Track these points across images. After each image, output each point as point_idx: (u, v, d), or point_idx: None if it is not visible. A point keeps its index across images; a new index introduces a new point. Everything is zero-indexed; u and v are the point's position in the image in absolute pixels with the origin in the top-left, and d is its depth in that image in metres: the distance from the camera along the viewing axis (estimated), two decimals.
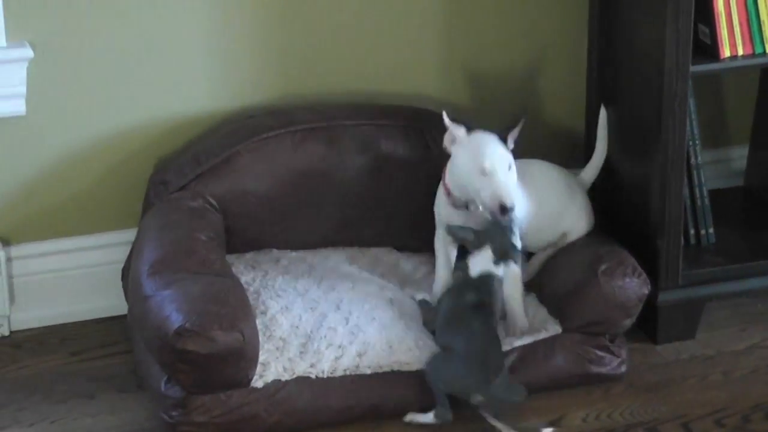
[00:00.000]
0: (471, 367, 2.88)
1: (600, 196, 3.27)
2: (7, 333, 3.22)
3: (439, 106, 3.34)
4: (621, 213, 3.26)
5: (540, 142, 3.45)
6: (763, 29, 3.04)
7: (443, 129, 3.05)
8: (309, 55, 3.30)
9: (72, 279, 3.26)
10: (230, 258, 3.15)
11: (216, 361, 2.80)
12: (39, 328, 3.25)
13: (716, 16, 3.00)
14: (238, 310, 2.87)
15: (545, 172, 3.17)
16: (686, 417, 2.97)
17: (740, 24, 3.03)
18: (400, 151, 3.27)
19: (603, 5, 3.22)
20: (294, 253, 3.24)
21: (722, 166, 3.60)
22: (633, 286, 3.04)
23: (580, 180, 3.24)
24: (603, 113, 3.24)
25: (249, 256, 3.23)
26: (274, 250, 3.25)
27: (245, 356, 2.83)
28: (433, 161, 3.21)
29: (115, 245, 3.22)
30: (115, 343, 3.18)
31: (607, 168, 3.25)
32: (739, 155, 3.59)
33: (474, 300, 2.96)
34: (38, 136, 3.18)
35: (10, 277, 3.21)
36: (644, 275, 3.06)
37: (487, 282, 2.99)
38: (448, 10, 3.34)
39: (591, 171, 3.25)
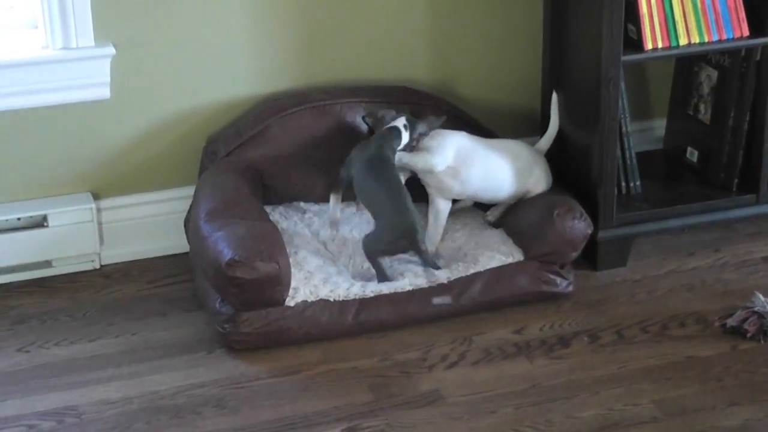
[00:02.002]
0: (399, 215, 2.88)
1: (555, 159, 3.17)
2: (98, 266, 3.16)
3: (426, 87, 3.29)
4: (571, 171, 3.17)
5: (505, 118, 3.38)
6: (677, 27, 2.95)
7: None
8: (321, 49, 3.22)
9: (147, 224, 3.19)
10: (267, 209, 3.07)
11: (258, 285, 2.75)
12: (123, 262, 3.19)
13: (641, 17, 2.91)
14: (275, 247, 2.81)
15: (514, 147, 3.10)
16: (619, 325, 2.91)
17: (660, 22, 2.93)
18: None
19: (554, 5, 3.14)
20: (316, 206, 3.16)
21: (646, 134, 3.50)
22: (580, 226, 2.98)
23: (538, 148, 3.17)
24: (555, 97, 3.15)
25: (281, 208, 3.14)
26: (301, 203, 3.17)
27: (280, 281, 2.79)
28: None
29: (180, 198, 3.14)
30: (180, 273, 3.12)
31: (560, 138, 3.16)
32: (659, 125, 3.49)
33: (376, 151, 2.96)
34: (119, 115, 3.11)
35: (99, 223, 3.14)
36: (588, 219, 2.99)
37: (389, 135, 2.98)
38: (433, 15, 3.27)
39: (546, 141, 3.17)
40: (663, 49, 2.97)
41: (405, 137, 3.03)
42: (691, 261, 3.19)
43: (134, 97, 3.13)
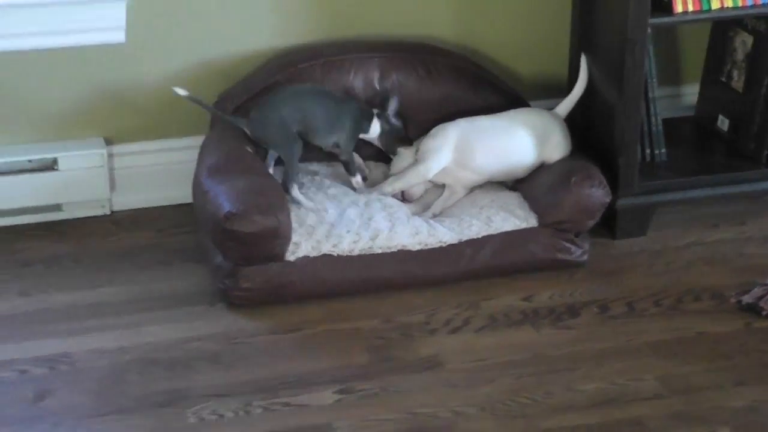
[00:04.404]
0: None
1: (579, 123, 3.07)
2: (108, 212, 3.12)
3: (448, 45, 3.20)
4: (593, 137, 3.07)
5: (531, 80, 3.29)
6: None
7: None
8: (341, 3, 3.14)
9: (160, 172, 3.15)
10: (278, 170, 2.98)
11: (256, 238, 2.70)
12: (133, 209, 3.15)
13: None
14: (274, 201, 2.75)
15: (526, 118, 2.99)
16: (631, 297, 2.81)
17: None
18: (403, 76, 3.09)
19: None
20: (327, 167, 3.08)
21: (677, 100, 3.38)
22: (598, 195, 2.87)
23: (555, 114, 3.04)
24: (583, 58, 3.03)
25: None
26: (315, 163, 3.10)
27: (279, 235, 2.72)
28: (431, 83, 3.08)
29: (193, 148, 3.04)
30: (189, 224, 3.06)
31: (584, 101, 3.04)
32: (692, 91, 3.36)
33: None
34: (134, 60, 3.06)
35: (111, 168, 3.10)
36: (607, 187, 2.88)
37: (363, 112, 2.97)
38: None
39: (567, 104, 3.05)
40: (693, 12, 2.85)
41: (374, 128, 2.97)
42: (714, 233, 3.08)
43: (150, 43, 3.07)
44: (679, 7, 2.83)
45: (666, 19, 2.86)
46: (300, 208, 2.87)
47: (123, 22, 3.00)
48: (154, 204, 3.17)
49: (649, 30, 2.84)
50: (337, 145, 2.97)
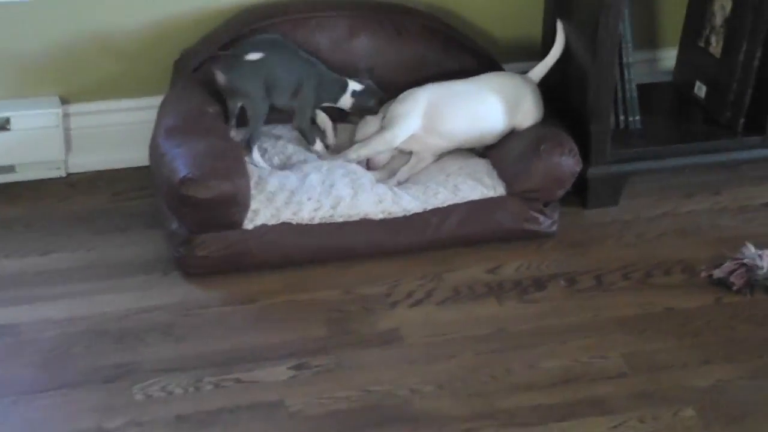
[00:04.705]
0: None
1: (553, 88, 2.95)
2: (64, 174, 3.01)
3: (420, 5, 3.08)
4: (566, 102, 2.96)
5: (506, 42, 3.18)
6: None
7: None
8: None
9: (116, 133, 3.03)
10: (241, 131, 2.85)
11: (212, 204, 2.60)
12: (90, 171, 3.03)
13: None
14: (232, 166, 2.66)
15: (496, 82, 2.89)
16: (600, 270, 2.72)
17: None
18: (372, 37, 2.97)
19: None
20: (291, 131, 2.94)
21: (656, 64, 3.28)
22: (568, 163, 2.77)
23: (528, 78, 2.94)
24: (560, 23, 2.91)
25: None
26: (278, 126, 2.97)
27: (237, 202, 2.63)
28: (401, 44, 2.97)
29: (153, 108, 2.91)
30: (148, 187, 2.95)
31: (558, 67, 2.93)
32: (670, 56, 3.26)
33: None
34: (87, 15, 2.92)
35: (67, 129, 2.98)
36: (578, 155, 2.78)
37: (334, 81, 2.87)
38: None
39: (541, 69, 2.94)
40: None
41: (346, 98, 2.86)
42: (688, 203, 2.99)
43: None
44: None
45: None
46: (259, 171, 2.78)
47: None
48: (112, 166, 3.06)
49: None
50: (293, 109, 2.88)
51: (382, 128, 2.89)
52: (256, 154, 2.81)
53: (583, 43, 2.88)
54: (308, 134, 2.88)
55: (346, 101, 2.88)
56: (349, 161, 2.86)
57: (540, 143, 2.80)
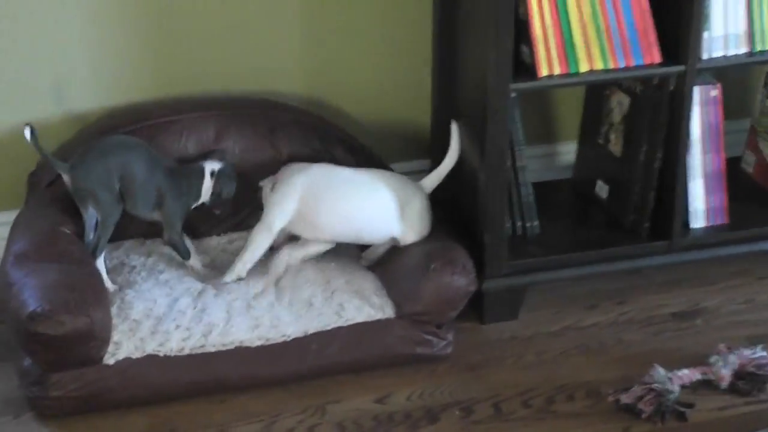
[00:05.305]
0: None
1: (444, 194, 2.74)
2: None
3: (295, 101, 2.88)
4: (459, 210, 2.77)
5: (390, 138, 2.97)
6: (577, 51, 2.53)
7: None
8: (170, 56, 2.79)
9: None
10: (110, 246, 2.63)
11: (65, 341, 2.35)
12: None
13: (534, 39, 2.49)
14: (89, 296, 2.40)
15: (382, 183, 2.64)
16: (498, 397, 2.50)
17: (556, 46, 2.51)
18: (242, 135, 2.75)
19: (442, 14, 2.75)
20: (165, 248, 2.70)
21: (554, 159, 3.10)
22: (460, 283, 2.55)
23: (419, 186, 2.71)
24: (455, 126, 2.70)
25: (127, 244, 2.72)
26: (148, 242, 2.74)
27: (93, 337, 2.37)
28: (275, 141, 2.76)
29: (4, 224, 2.68)
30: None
31: (452, 170, 2.73)
32: (569, 149, 3.08)
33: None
34: None
35: None
36: (472, 273, 2.57)
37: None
38: (308, 20, 2.85)
39: (435, 178, 2.71)
40: (560, 76, 2.54)
41: (206, 185, 2.65)
42: (591, 315, 2.78)
43: None
44: (543, 71, 2.53)
45: (530, 84, 2.55)
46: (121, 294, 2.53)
47: None
48: None
49: (513, 94, 2.55)
50: (158, 221, 2.64)
51: (258, 222, 2.67)
52: (100, 263, 2.56)
53: (471, 145, 2.68)
54: (181, 248, 2.64)
55: (206, 189, 2.65)
56: (237, 278, 2.63)
57: (430, 261, 2.57)
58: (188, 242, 2.69)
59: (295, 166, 2.69)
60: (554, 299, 2.82)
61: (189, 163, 2.69)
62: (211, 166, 2.67)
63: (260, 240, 2.66)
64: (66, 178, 2.55)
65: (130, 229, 2.72)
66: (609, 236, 2.82)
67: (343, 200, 2.64)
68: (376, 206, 2.64)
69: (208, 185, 2.67)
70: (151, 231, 2.72)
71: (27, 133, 2.48)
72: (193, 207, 2.68)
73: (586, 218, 2.91)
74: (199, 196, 2.67)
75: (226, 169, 2.68)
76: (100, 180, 2.53)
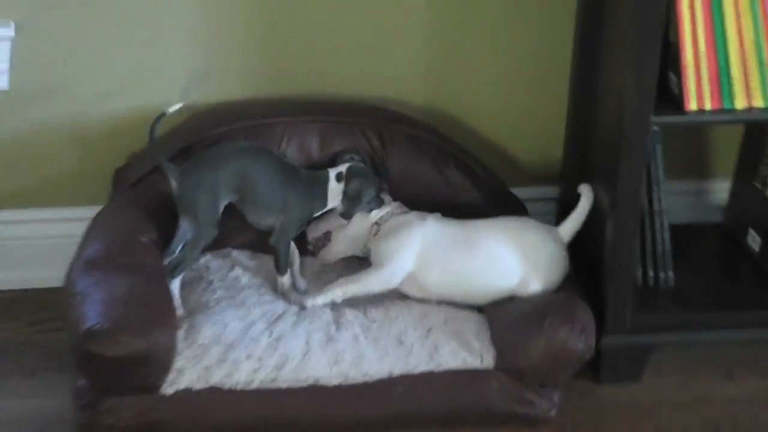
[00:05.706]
0: None
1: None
2: None
3: (414, 113, 2.61)
4: (582, 250, 2.43)
5: (515, 161, 2.69)
6: (733, 85, 2.17)
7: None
8: (278, 53, 2.56)
9: (41, 247, 2.61)
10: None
11: (121, 364, 2.11)
12: (9, 290, 2.60)
13: (684, 67, 2.14)
14: (154, 315, 2.17)
15: (511, 238, 2.35)
16: None
17: (710, 77, 2.16)
18: (349, 145, 2.50)
19: (584, 43, 2.43)
20: (250, 262, 2.49)
21: (706, 197, 2.74)
22: (576, 347, 2.22)
23: (554, 232, 2.39)
24: (587, 189, 2.38)
25: (208, 256, 2.48)
26: (233, 251, 2.51)
27: (152, 362, 2.14)
28: (385, 155, 2.51)
29: (84, 220, 2.42)
30: None
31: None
32: (720, 188, 2.72)
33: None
34: (18, 112, 2.52)
35: None
36: (591, 339, 2.22)
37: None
38: (434, 25, 2.56)
39: (571, 224, 2.39)
40: (712, 112, 2.19)
41: (332, 189, 2.39)
42: (726, 387, 2.42)
43: (40, 91, 2.52)
44: (692, 104, 2.18)
45: (675, 118, 2.20)
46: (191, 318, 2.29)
47: (6, 66, 2.46)
48: (33, 285, 2.61)
49: (655, 128, 2.21)
50: (273, 228, 2.40)
51: (373, 264, 2.40)
52: (176, 285, 2.32)
53: (602, 179, 2.36)
54: (281, 258, 2.39)
55: (334, 193, 2.40)
56: (333, 301, 2.37)
57: (546, 312, 2.25)
58: (295, 254, 2.44)
59: (404, 218, 2.43)
60: (686, 364, 2.47)
61: (320, 168, 2.45)
62: (337, 169, 2.43)
63: (373, 286, 2.39)
64: (173, 183, 2.33)
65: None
66: (758, 296, 2.46)
67: (453, 262, 2.36)
68: (486, 267, 2.35)
69: (334, 188, 2.42)
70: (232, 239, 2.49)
71: (170, 111, 2.31)
72: (318, 214, 2.44)
73: (732, 272, 2.56)
74: (325, 201, 2.43)
75: (355, 169, 2.43)
76: (206, 194, 2.31)
